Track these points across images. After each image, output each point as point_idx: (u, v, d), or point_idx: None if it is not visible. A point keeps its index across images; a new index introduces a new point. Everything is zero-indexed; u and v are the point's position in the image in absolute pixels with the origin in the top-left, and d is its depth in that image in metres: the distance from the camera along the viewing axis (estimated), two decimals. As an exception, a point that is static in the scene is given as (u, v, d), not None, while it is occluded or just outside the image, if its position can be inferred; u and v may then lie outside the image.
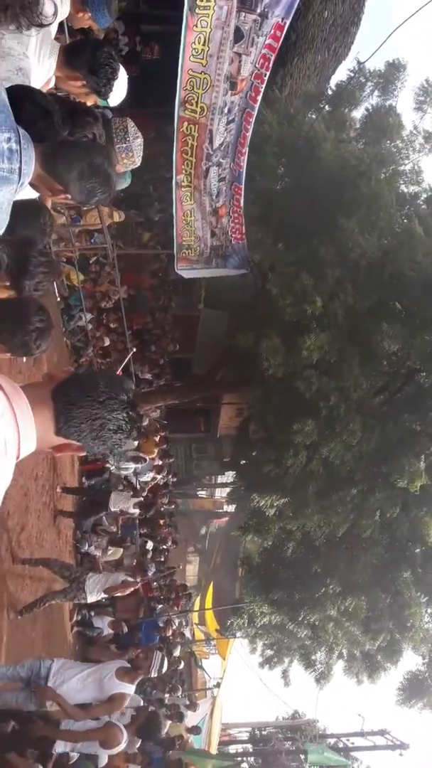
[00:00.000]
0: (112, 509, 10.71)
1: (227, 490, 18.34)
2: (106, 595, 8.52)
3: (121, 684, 6.00)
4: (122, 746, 6.14)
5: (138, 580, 9.23)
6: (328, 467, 8.70)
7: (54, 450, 1.77)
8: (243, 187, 8.38)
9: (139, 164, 4.44)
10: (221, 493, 20.71)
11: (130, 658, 6.98)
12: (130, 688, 6.13)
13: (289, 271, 8.38)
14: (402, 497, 8.44)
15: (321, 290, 7.95)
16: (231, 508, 18.47)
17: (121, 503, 10.95)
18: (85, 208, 10.13)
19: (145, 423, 13.81)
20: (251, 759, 18.62)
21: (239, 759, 16.94)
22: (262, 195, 10.19)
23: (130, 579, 8.66)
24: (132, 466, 12.61)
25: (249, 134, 7.78)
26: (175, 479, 16.47)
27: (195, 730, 11.60)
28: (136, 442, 11.72)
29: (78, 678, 5.86)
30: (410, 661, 10.19)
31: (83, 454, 1.87)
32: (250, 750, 20.23)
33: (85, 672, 5.99)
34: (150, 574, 11.59)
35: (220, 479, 20.42)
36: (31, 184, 2.38)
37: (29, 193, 2.57)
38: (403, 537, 8.84)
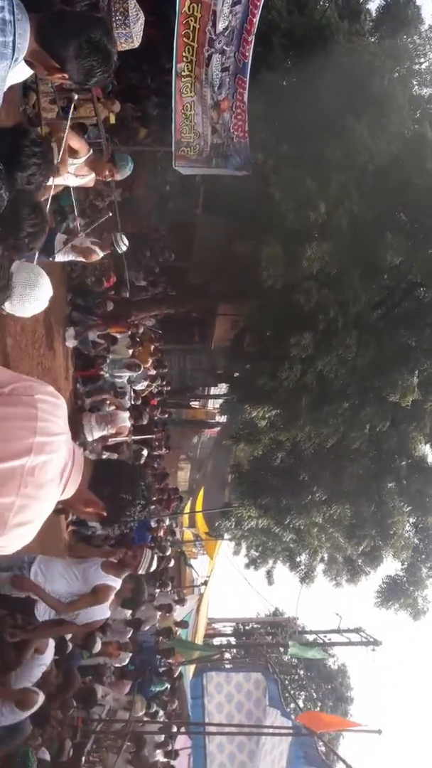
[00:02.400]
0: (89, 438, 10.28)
1: (220, 401, 18.54)
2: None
3: (106, 576, 5.57)
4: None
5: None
6: (322, 381, 8.74)
7: (81, 503, 2.06)
8: (247, 80, 7.83)
9: (137, 46, 4.10)
10: (214, 404, 20.99)
11: (118, 557, 6.87)
12: (116, 581, 5.71)
13: (293, 174, 8.01)
14: (392, 412, 8.55)
15: (325, 196, 7.63)
16: (223, 418, 18.75)
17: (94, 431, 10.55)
18: (77, 98, 9.50)
19: (140, 331, 13.70)
20: (234, 651, 20.00)
21: (223, 650, 18.17)
22: (267, 90, 9.57)
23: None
24: (126, 374, 12.63)
25: (256, 20, 7.19)
26: (168, 388, 16.57)
27: (182, 624, 12.30)
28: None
29: (61, 570, 5.48)
30: (389, 567, 10.70)
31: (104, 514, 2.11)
32: (233, 642, 21.74)
33: (69, 564, 5.64)
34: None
35: (213, 390, 20.62)
36: (27, 61, 2.16)
37: (24, 72, 2.36)
38: (390, 450, 9.05)
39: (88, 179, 5.95)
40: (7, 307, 3.08)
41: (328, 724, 10.49)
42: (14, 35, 1.90)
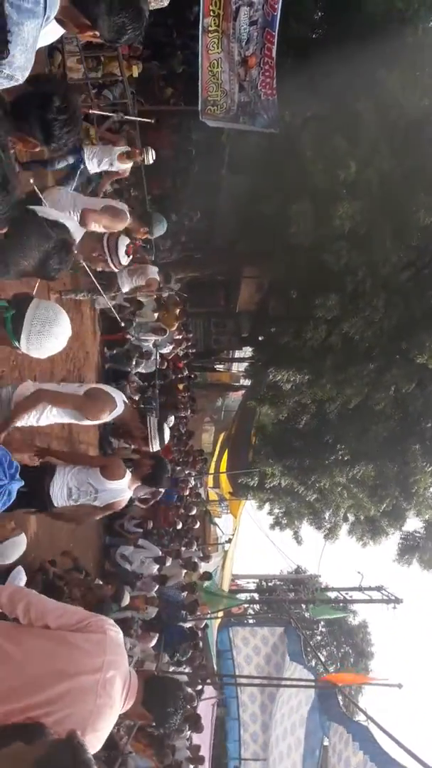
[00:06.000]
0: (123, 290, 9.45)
1: (244, 364, 18.58)
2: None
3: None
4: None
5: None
6: (347, 342, 8.72)
7: (136, 717, 2.59)
8: (276, 34, 7.63)
9: (167, 5, 4.01)
10: (238, 368, 21.03)
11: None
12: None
13: (323, 131, 7.84)
14: (419, 373, 8.52)
15: (355, 154, 7.48)
16: (247, 382, 18.83)
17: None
18: (105, 57, 9.37)
19: (165, 295, 13.71)
20: (257, 606, 20.51)
21: (246, 606, 18.64)
22: (295, 44, 9.30)
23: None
24: (152, 337, 12.70)
25: (285, -31, 6.99)
26: (194, 351, 16.64)
27: (206, 575, 12.61)
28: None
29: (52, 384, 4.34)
30: (411, 524, 10.80)
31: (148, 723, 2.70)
32: (257, 598, 22.26)
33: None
34: (170, 423, 12.02)
35: (238, 354, 20.63)
36: (57, 20, 2.16)
37: (55, 32, 2.35)
38: (415, 412, 9.04)
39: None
40: (23, 344, 2.91)
41: (350, 681, 10.80)
42: None
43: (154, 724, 2.63)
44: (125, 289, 8.51)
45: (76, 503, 4.63)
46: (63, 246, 2.75)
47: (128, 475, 4.62)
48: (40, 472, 4.44)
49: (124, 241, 4.08)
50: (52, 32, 2.30)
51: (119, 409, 4.19)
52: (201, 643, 11.59)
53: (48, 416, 4.02)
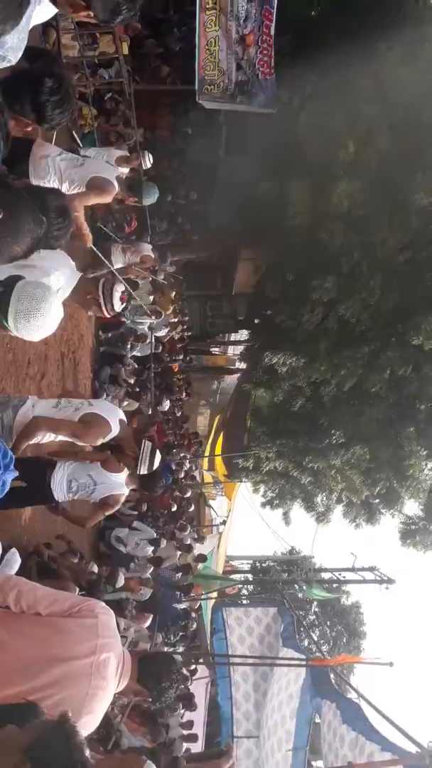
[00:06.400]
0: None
1: (240, 347, 18.55)
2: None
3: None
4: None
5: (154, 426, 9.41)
6: (343, 324, 8.71)
7: (131, 693, 2.67)
8: (275, 12, 7.53)
9: None
10: (234, 351, 20.99)
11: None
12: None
13: (321, 109, 7.75)
14: (414, 356, 8.53)
15: (354, 133, 7.40)
16: (243, 365, 18.83)
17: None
18: (100, 33, 9.21)
19: (161, 278, 13.63)
20: (251, 587, 20.71)
21: (240, 586, 18.82)
22: (294, 22, 9.16)
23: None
24: (147, 320, 12.66)
25: None
26: (189, 334, 16.59)
27: (201, 558, 12.72)
28: None
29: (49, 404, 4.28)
30: (411, 508, 10.88)
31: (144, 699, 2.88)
32: (251, 579, 22.49)
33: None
34: (165, 407, 12.06)
35: (234, 337, 20.57)
36: None
37: (48, 11, 2.31)
38: (410, 395, 9.07)
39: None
40: (11, 323, 2.80)
41: (341, 660, 10.93)
42: None
43: (150, 699, 2.72)
44: (118, 265, 8.45)
45: (74, 495, 4.75)
46: (60, 214, 2.70)
47: (126, 471, 4.71)
48: (41, 466, 4.58)
49: (119, 288, 4.06)
50: (45, 10, 2.25)
51: (115, 431, 4.26)
52: (195, 624, 11.72)
53: (48, 437, 4.12)
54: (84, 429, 4.05)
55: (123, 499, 5.07)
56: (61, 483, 4.69)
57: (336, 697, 7.48)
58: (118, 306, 4.08)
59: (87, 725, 2.30)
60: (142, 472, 4.89)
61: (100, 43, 9.80)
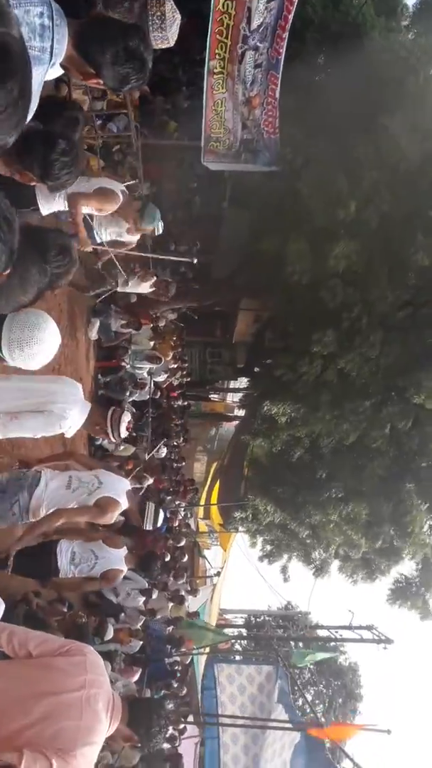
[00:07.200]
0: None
1: (239, 395, 18.56)
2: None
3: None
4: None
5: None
6: (343, 378, 8.73)
7: (119, 731, 2.61)
8: (280, 76, 7.82)
9: (172, 45, 4.05)
10: (233, 398, 21.00)
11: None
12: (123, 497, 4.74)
13: (323, 171, 7.96)
14: (415, 412, 8.51)
15: (355, 195, 7.58)
16: (241, 412, 18.79)
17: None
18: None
19: (162, 324, 13.74)
20: (245, 642, 20.13)
21: (233, 642, 18.28)
22: (299, 86, 9.51)
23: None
24: (147, 365, 12.70)
25: (291, 16, 7.17)
26: (188, 380, 16.63)
27: (194, 615, 12.41)
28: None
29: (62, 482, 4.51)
30: (405, 566, 10.69)
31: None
32: (244, 634, 21.85)
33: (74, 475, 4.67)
34: (162, 454, 12.07)
35: (233, 384, 20.62)
36: (62, 65, 2.17)
37: (57, 71, 2.38)
38: (411, 450, 9.01)
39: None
40: (6, 354, 2.76)
41: (338, 735, 10.39)
42: (52, 41, 1.91)
43: (139, 744, 2.75)
44: (125, 289, 8.69)
45: (76, 569, 5.13)
46: (61, 252, 2.71)
47: (125, 549, 5.20)
48: (49, 544, 4.97)
49: (125, 418, 4.28)
50: (54, 71, 2.32)
51: (124, 505, 4.73)
52: (185, 679, 11.33)
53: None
54: (101, 513, 4.49)
55: (122, 575, 5.48)
56: (66, 554, 5.07)
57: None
58: (124, 434, 4.37)
59: (87, 758, 2.34)
60: (148, 528, 5.76)
61: (109, 94, 10.11)
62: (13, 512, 4.25)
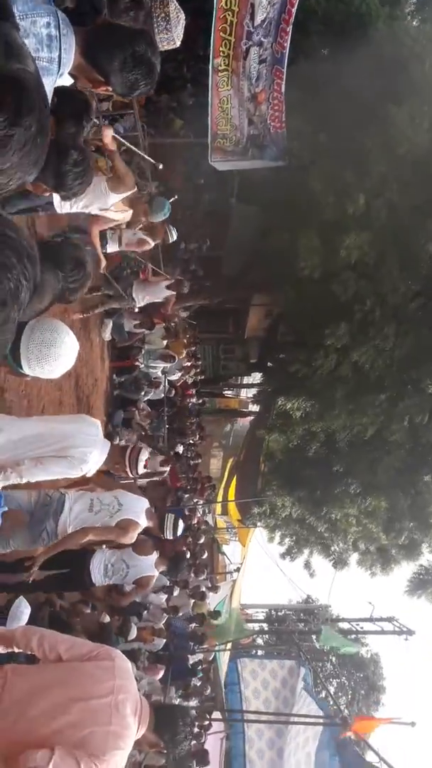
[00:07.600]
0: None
1: (253, 390, 18.56)
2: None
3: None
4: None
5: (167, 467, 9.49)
6: (358, 371, 8.69)
7: (148, 744, 2.70)
8: (285, 70, 7.78)
9: (179, 44, 4.05)
10: (247, 393, 21.00)
11: None
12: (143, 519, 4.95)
13: (331, 164, 7.92)
14: (430, 404, 8.46)
15: (364, 187, 7.53)
16: (256, 407, 18.79)
17: None
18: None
19: (175, 322, 13.76)
20: (266, 637, 20.15)
21: (255, 636, 18.31)
22: (304, 79, 9.44)
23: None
24: (161, 364, 12.73)
25: (294, 9, 7.13)
26: (202, 377, 16.64)
27: (216, 614, 12.43)
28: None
29: (84, 505, 4.77)
30: (425, 559, 10.64)
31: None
32: (266, 629, 21.90)
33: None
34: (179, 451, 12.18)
35: (246, 380, 20.61)
36: (70, 74, 2.19)
37: (65, 81, 2.39)
38: (428, 443, 8.95)
39: (126, 215, 6.12)
40: (27, 370, 2.82)
41: (363, 729, 10.38)
42: (60, 50, 1.91)
43: (164, 750, 2.79)
44: (138, 297, 8.98)
45: (110, 580, 5.42)
46: (76, 266, 2.71)
47: (155, 554, 5.44)
48: (82, 553, 5.21)
49: (143, 457, 4.45)
50: (63, 81, 2.33)
51: (144, 524, 4.99)
52: (210, 676, 11.39)
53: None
54: (123, 533, 4.77)
55: (154, 580, 5.85)
56: (99, 566, 5.30)
57: (357, 761, 7.18)
58: (141, 471, 4.56)
59: (116, 763, 2.37)
60: (168, 537, 5.92)
61: (115, 94, 10.12)
62: (42, 538, 4.64)
